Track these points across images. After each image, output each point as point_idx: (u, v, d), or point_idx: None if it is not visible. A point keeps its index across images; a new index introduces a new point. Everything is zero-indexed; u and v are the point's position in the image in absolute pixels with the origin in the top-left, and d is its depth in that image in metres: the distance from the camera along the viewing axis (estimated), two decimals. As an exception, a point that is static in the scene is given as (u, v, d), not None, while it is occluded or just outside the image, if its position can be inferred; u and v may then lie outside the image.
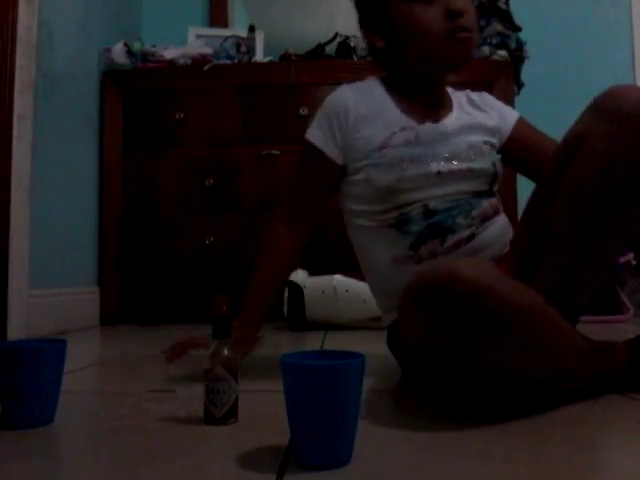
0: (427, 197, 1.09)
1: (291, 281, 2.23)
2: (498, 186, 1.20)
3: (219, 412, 0.82)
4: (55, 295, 2.08)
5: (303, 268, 2.29)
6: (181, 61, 2.56)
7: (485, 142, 1.17)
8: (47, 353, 0.86)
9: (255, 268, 1.21)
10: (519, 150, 1.23)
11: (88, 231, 2.41)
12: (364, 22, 1.17)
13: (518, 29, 2.53)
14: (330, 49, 2.67)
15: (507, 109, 1.28)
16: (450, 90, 1.24)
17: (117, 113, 2.52)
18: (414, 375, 1.13)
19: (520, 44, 2.52)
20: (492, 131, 1.21)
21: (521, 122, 1.25)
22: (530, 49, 2.55)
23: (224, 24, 2.98)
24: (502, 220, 1.16)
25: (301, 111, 2.46)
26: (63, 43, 2.20)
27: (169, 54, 2.57)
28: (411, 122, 1.13)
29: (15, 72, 1.85)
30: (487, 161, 1.15)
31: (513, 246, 1.12)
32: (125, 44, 2.53)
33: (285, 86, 2.50)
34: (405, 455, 0.71)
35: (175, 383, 1.16)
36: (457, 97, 1.23)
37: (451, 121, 1.16)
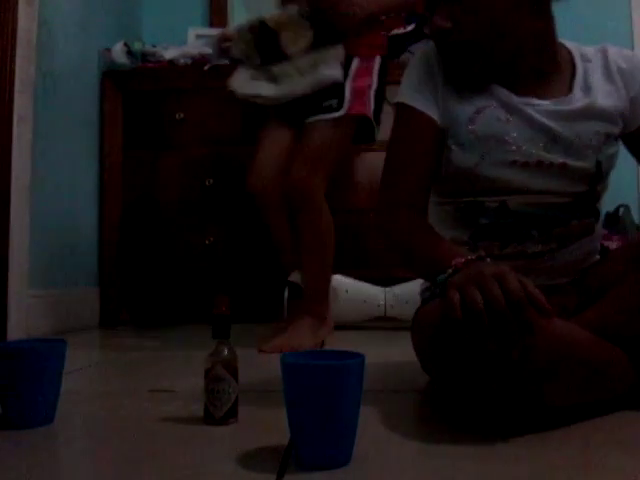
0: (507, 191, 0.95)
1: (291, 281, 2.23)
2: (604, 187, 1.00)
3: (219, 412, 0.82)
4: (55, 295, 2.08)
5: (303, 268, 2.28)
6: (181, 61, 2.56)
7: (601, 133, 0.95)
8: (47, 353, 0.86)
9: (416, 251, 0.94)
10: None
11: (88, 231, 2.41)
12: None
13: (518, 29, 2.52)
14: (330, 49, 2.66)
15: None
16: (576, 51, 0.99)
17: (117, 113, 2.51)
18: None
19: (520, 44, 2.51)
20: (616, 116, 0.95)
21: None
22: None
23: (224, 24, 2.98)
24: (588, 244, 1.00)
25: (301, 111, 2.45)
26: (63, 43, 2.19)
27: (169, 54, 2.57)
28: (502, 96, 0.95)
29: (15, 72, 1.85)
30: (591, 159, 0.95)
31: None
32: (125, 44, 2.53)
33: (285, 86, 2.49)
34: (405, 455, 0.72)
35: (175, 383, 1.16)
36: (585, 66, 0.98)
37: (564, 104, 0.94)
